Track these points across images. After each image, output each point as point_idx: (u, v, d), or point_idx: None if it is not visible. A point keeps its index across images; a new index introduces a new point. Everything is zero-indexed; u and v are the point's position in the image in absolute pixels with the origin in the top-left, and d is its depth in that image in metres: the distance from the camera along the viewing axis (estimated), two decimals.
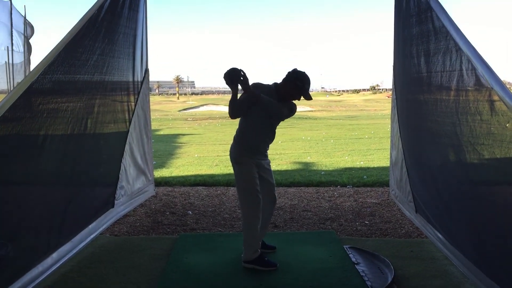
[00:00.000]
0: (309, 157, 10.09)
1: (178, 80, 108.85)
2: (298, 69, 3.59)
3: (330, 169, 8.46)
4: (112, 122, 4.63)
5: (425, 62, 3.94)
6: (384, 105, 45.68)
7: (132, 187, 5.32)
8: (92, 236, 4.12)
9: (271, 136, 3.69)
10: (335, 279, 3.45)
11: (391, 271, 3.51)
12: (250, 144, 3.60)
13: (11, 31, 12.58)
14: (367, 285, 3.32)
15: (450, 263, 3.64)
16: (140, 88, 5.39)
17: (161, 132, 18.28)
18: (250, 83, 3.52)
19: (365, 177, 7.31)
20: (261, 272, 3.56)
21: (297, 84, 3.49)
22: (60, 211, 3.54)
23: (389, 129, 6.20)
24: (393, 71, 5.39)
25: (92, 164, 4.24)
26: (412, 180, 4.69)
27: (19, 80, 8.78)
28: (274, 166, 8.42)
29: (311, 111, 39.67)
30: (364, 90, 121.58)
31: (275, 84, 3.64)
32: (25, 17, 13.67)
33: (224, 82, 3.50)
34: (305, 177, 7.37)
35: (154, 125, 13.62)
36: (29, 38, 13.90)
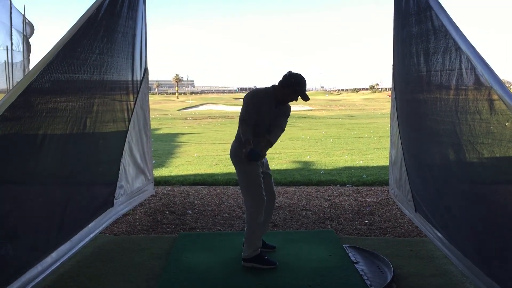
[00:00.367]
0: (308, 156, 10.09)
1: (178, 80, 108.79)
2: (293, 71, 3.61)
3: (330, 168, 8.46)
4: (111, 121, 4.62)
5: (425, 61, 3.94)
6: (384, 104, 45.71)
7: (132, 186, 5.32)
8: (91, 236, 4.12)
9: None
10: (335, 278, 3.45)
11: (390, 270, 3.51)
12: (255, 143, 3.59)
13: (11, 30, 12.56)
14: (366, 284, 3.32)
15: (450, 262, 3.64)
16: (139, 87, 5.39)
17: (161, 132, 18.28)
18: (251, 83, 3.59)
19: (364, 176, 7.31)
20: (261, 271, 3.56)
21: (296, 89, 3.54)
22: (60, 211, 3.54)
23: (388, 128, 6.20)
24: (393, 70, 5.39)
25: (91, 164, 4.24)
26: (412, 179, 4.69)
27: (19, 80, 8.78)
28: (273, 165, 8.45)
29: (311, 110, 39.68)
30: (363, 89, 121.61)
31: (273, 86, 3.65)
32: (24, 16, 13.65)
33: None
34: (305, 176, 7.37)
35: (153, 125, 13.63)
36: (29, 37, 13.87)
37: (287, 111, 3.75)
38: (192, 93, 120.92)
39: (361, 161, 9.23)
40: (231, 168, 8.05)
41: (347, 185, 6.76)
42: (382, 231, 4.63)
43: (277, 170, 8.14)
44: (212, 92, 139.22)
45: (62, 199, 3.58)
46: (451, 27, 3.23)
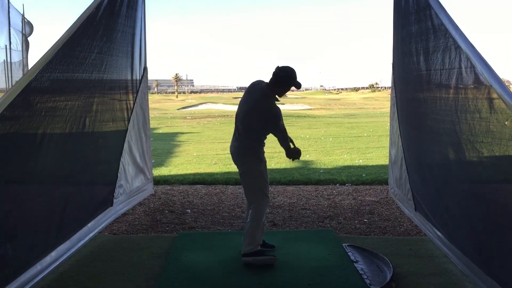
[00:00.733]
0: (308, 155, 10.08)
1: (177, 79, 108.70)
2: (280, 65, 3.73)
3: (329, 167, 8.46)
4: (110, 120, 4.62)
5: (425, 60, 3.94)
6: (383, 103, 45.70)
7: (131, 185, 5.32)
8: (91, 235, 4.11)
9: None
10: (334, 277, 3.45)
11: (390, 269, 3.51)
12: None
13: (9, 30, 12.54)
14: (365, 283, 3.32)
15: (449, 261, 3.64)
16: (138, 86, 5.39)
17: (160, 131, 18.27)
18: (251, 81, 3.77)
19: (364, 175, 7.31)
20: (260, 270, 3.56)
21: (290, 82, 3.66)
22: (59, 210, 3.53)
23: (388, 127, 6.20)
24: (392, 69, 5.39)
25: (90, 163, 4.23)
26: (412, 178, 4.69)
27: (18, 79, 8.76)
28: (273, 165, 8.45)
29: (310, 109, 39.69)
30: (363, 88, 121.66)
31: (266, 84, 3.72)
32: (23, 15, 13.63)
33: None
34: (304, 175, 7.37)
35: (152, 124, 13.61)
36: (28, 36, 13.85)
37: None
38: (191, 92, 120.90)
39: (360, 160, 9.24)
40: (231, 167, 8.05)
41: (346, 184, 6.76)
42: (382, 230, 4.63)
43: (277, 169, 8.14)
44: (211, 91, 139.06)
45: (61, 199, 3.58)
46: (451, 26, 3.23)
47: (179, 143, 13.55)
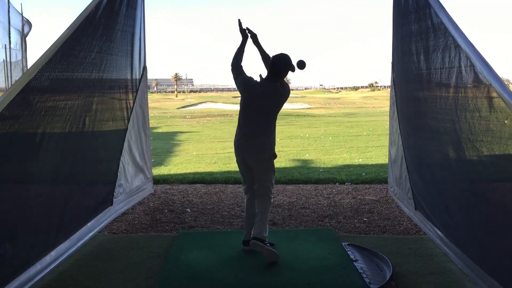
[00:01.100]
0: (307, 155, 10.09)
1: (177, 78, 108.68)
2: (272, 55, 3.92)
3: (329, 166, 8.47)
4: (110, 120, 4.62)
5: (424, 59, 3.94)
6: (383, 102, 45.71)
7: (131, 185, 5.31)
8: (90, 234, 4.11)
9: None
10: (334, 276, 3.45)
11: (389, 268, 3.51)
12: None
13: (9, 29, 12.52)
14: (365, 282, 3.33)
15: (449, 260, 3.64)
16: (138, 85, 5.38)
17: (160, 130, 18.27)
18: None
19: (363, 174, 7.32)
20: (260, 269, 3.58)
21: (287, 69, 3.83)
22: (59, 209, 3.53)
23: (387, 126, 6.20)
24: (392, 68, 5.39)
25: (90, 162, 4.23)
26: (412, 177, 4.69)
27: (17, 78, 8.75)
28: None
29: (310, 108, 39.69)
30: (362, 87, 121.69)
31: (262, 77, 3.91)
32: (22, 15, 13.61)
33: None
34: (304, 175, 7.37)
35: (152, 123, 13.60)
36: (27, 36, 13.83)
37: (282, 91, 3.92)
38: (191, 91, 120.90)
39: (360, 159, 9.24)
40: (230, 167, 8.06)
41: (346, 183, 6.77)
42: (381, 229, 4.64)
43: (276, 168, 8.06)
44: (211, 90, 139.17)
45: (61, 198, 3.58)
46: (450, 25, 3.23)
47: (178, 142, 13.54)
